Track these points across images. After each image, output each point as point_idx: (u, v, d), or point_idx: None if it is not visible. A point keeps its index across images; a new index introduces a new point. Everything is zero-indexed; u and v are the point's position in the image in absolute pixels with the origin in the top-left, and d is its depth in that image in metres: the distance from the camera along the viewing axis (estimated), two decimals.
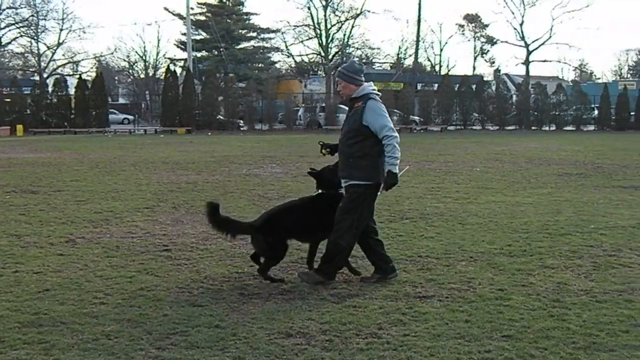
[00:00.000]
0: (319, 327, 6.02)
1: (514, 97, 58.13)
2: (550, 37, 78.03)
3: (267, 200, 13.42)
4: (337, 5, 72.05)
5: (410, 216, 11.87)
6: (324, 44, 71.78)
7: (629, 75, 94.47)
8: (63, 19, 73.22)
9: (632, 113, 54.81)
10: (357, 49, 79.29)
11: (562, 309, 6.50)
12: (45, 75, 69.07)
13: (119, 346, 5.60)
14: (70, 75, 71.42)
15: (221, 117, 54.56)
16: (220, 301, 6.83)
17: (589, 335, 5.77)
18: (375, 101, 7.38)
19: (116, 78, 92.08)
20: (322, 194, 7.91)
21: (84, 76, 62.33)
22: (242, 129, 53.83)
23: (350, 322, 6.15)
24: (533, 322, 6.10)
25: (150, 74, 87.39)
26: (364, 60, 78.37)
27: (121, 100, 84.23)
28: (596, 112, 55.67)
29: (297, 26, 74.84)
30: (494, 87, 58.38)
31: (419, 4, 69.90)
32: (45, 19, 72.67)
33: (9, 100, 52.30)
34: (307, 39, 75.96)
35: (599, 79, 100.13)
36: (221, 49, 70.06)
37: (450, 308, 6.55)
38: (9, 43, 74.28)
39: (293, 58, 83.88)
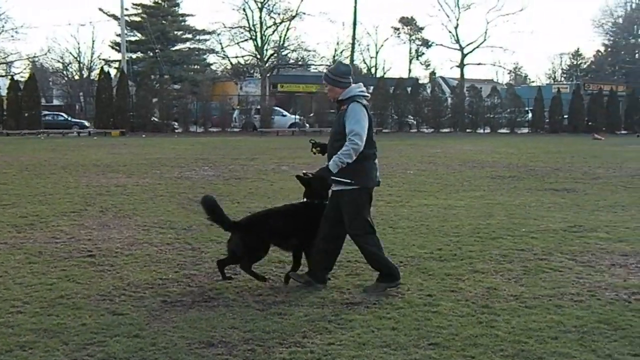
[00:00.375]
0: (242, 336, 5.84)
1: (449, 100, 58.65)
2: (485, 40, 78.99)
3: (197, 204, 13.14)
4: (273, 7, 71.71)
5: None
6: (260, 45, 71.35)
7: (562, 79, 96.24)
8: None
9: (565, 116, 55.81)
10: (293, 51, 79.11)
11: (491, 315, 6.42)
12: None
13: (33, 358, 5.37)
14: (2, 77, 69.72)
15: (156, 119, 53.82)
16: (142, 309, 6.60)
17: (517, 343, 5.68)
18: (356, 104, 7.29)
19: (50, 79, 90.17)
20: (307, 203, 7.77)
21: (17, 77, 60.94)
22: (176, 131, 53.22)
23: (274, 330, 5.98)
24: (461, 329, 6.00)
25: (85, 75, 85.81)
26: (299, 62, 78.36)
27: (55, 102, 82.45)
28: (530, 115, 56.53)
29: (233, 28, 74.12)
30: (429, 90, 58.81)
31: (355, 7, 70.45)
32: None
33: None
34: (242, 41, 75.36)
35: (533, 82, 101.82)
36: (156, 51, 69.17)
37: (377, 315, 6.43)
38: None
39: (229, 60, 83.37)
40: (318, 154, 7.82)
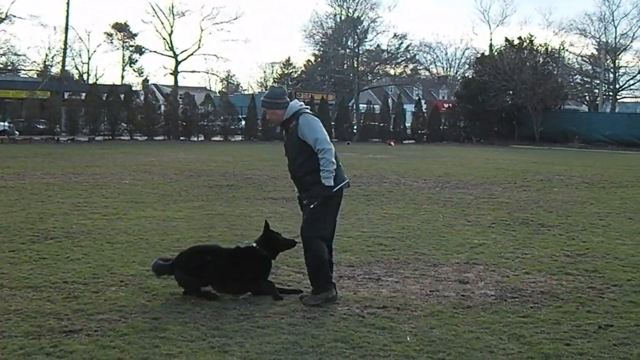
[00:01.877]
0: None
1: (163, 107, 57.98)
2: (199, 47, 79.21)
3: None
4: None
5: (55, 235, 10.90)
6: None
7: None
8: None
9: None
10: (2, 54, 74.19)
11: (222, 338, 6.06)
12: None
13: None
14: None
15: None
16: None
17: None
18: (306, 115, 7.43)
19: None
20: (254, 248, 7.71)
21: None
22: None
23: None
24: (193, 357, 5.59)
25: None
26: (8, 67, 73.72)
27: None
28: (243, 122, 57.33)
29: None
30: (142, 97, 57.77)
31: (67, 11, 67.25)
32: None
33: None
34: None
35: (245, 90, 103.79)
36: None
37: (100, 344, 5.86)
38: None
39: None
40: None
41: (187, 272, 7.41)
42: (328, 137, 7.48)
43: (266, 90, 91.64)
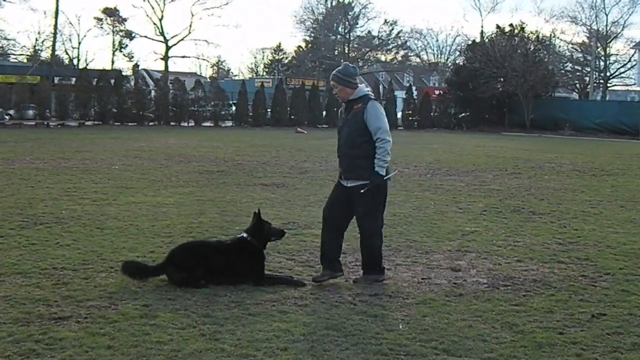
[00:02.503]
0: None
1: (153, 93, 57.68)
2: (189, 33, 78.83)
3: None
4: None
5: (44, 221, 10.82)
6: None
7: (264, 73, 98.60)
8: None
9: (268, 110, 57.03)
10: None
11: (213, 325, 6.01)
12: None
13: None
14: None
15: None
16: None
17: (245, 357, 5.34)
18: (375, 102, 7.70)
19: None
20: (244, 239, 7.64)
21: None
22: None
23: None
24: (184, 344, 5.54)
25: None
26: None
27: None
28: (234, 108, 57.11)
29: None
30: (132, 82, 57.45)
31: None
32: None
33: None
34: None
35: (236, 75, 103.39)
36: None
37: (90, 331, 5.80)
38: None
39: None
40: None
41: (181, 270, 7.31)
42: (389, 130, 7.73)
43: (257, 76, 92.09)
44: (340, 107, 8.13)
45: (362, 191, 7.51)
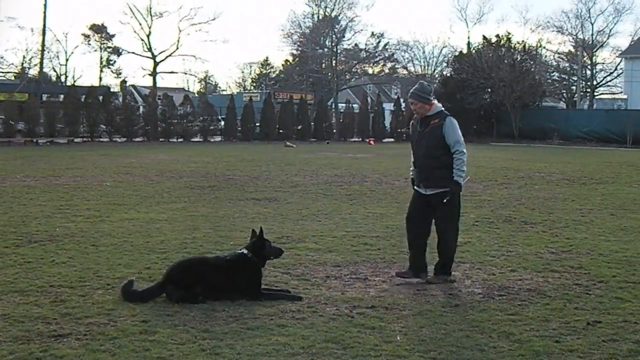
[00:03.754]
0: None
1: (141, 109, 57.62)
2: (177, 48, 78.73)
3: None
4: None
5: (39, 239, 10.83)
6: None
7: (252, 88, 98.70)
8: None
9: (257, 124, 57.07)
10: None
11: (212, 340, 6.05)
12: None
13: None
14: None
15: None
16: None
17: None
18: (451, 118, 8.51)
19: None
20: (245, 256, 7.65)
21: None
22: None
23: None
24: (184, 359, 5.59)
25: None
26: None
27: None
28: (223, 123, 57.11)
29: None
30: (121, 99, 57.38)
31: (45, 12, 66.74)
32: None
33: None
34: None
35: (224, 90, 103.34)
36: None
37: (91, 348, 5.84)
38: None
39: None
40: None
41: (180, 288, 7.32)
42: (464, 142, 8.44)
43: (245, 90, 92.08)
44: (412, 121, 8.82)
45: (444, 200, 8.19)
